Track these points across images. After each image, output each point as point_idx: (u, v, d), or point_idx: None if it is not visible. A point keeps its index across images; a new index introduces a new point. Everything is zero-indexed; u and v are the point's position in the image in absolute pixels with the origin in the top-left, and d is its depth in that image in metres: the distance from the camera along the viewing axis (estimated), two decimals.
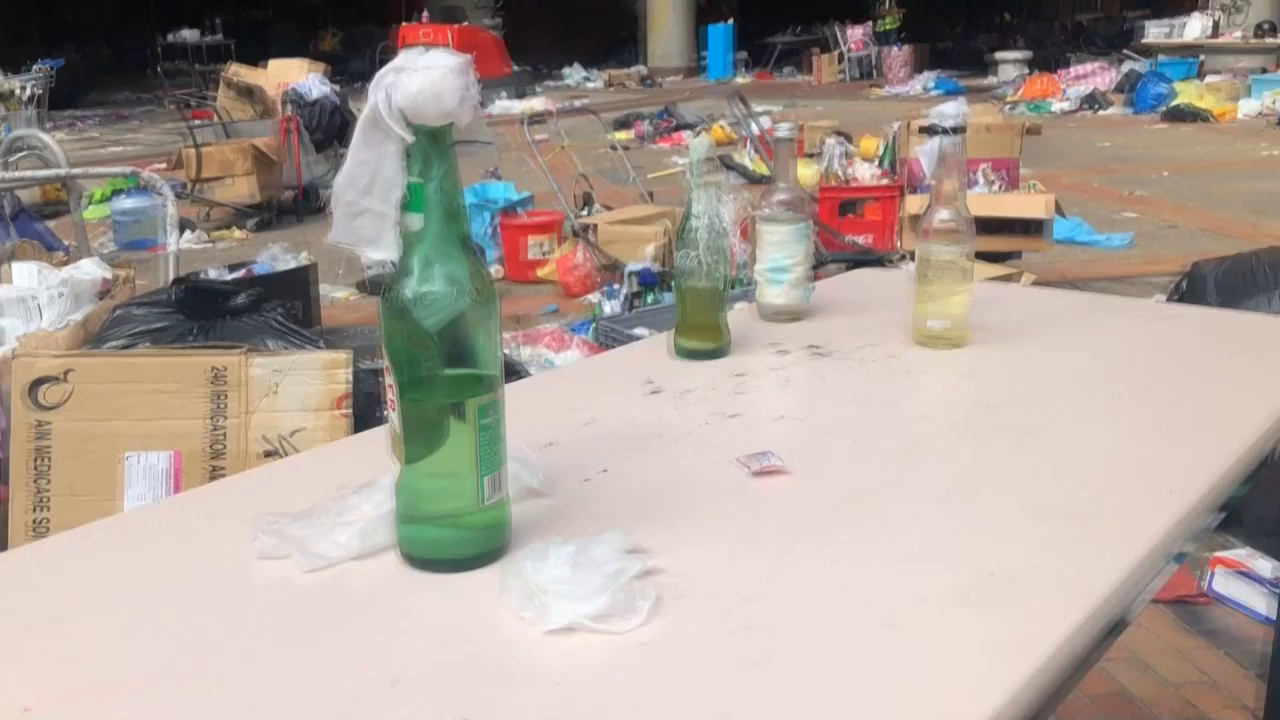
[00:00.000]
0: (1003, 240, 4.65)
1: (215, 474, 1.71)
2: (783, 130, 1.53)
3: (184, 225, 6.78)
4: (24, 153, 6.67)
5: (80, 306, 2.74)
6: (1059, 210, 5.11)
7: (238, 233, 6.92)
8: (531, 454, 1.02)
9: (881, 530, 0.95)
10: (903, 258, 4.60)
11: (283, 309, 2.19)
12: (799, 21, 20.13)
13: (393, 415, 0.86)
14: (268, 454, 1.72)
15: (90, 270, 2.84)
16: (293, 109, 7.79)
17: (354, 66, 15.53)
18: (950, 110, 1.34)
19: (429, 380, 0.85)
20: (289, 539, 0.90)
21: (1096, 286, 4.94)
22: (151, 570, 0.91)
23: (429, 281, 0.83)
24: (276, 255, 4.85)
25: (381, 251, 0.84)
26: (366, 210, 0.83)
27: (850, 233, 5.27)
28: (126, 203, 6.51)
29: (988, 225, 4.52)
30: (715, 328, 1.40)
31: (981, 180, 4.86)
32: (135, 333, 2.19)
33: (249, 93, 8.66)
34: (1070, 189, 7.25)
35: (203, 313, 2.19)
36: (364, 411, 1.92)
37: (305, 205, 7.39)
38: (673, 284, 1.36)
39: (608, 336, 3.57)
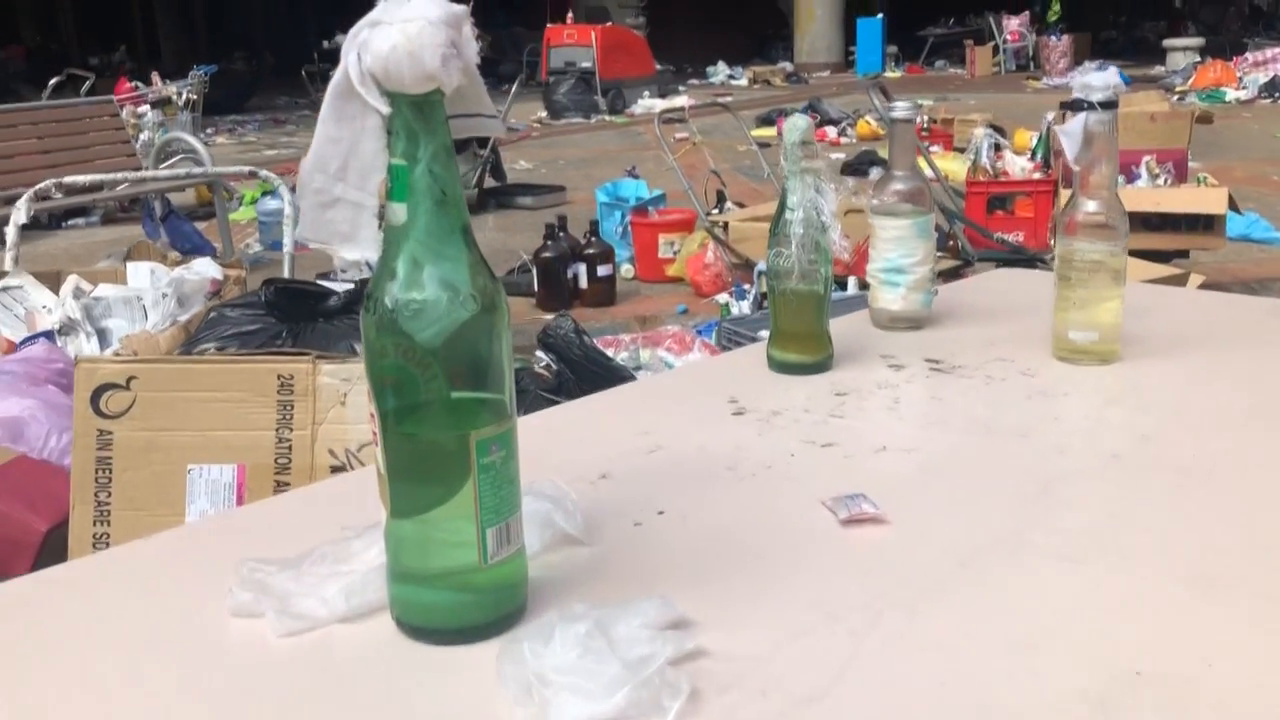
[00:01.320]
0: (1168, 238, 4.25)
1: (280, 489, 1.59)
2: (900, 110, 1.32)
3: None
4: (179, 156, 6.89)
5: (189, 307, 2.70)
6: (1233, 205, 4.66)
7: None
8: (570, 492, 0.85)
9: (996, 604, 0.74)
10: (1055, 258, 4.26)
11: None
12: (953, 13, 19.51)
13: (378, 452, 0.70)
14: (334, 469, 1.61)
15: (201, 270, 2.81)
16: None
17: (503, 69, 15.69)
18: (1098, 81, 1.12)
19: (419, 410, 0.69)
20: (269, 593, 0.76)
21: (1276, 289, 4.50)
22: (113, 624, 0.77)
23: (416, 287, 0.67)
24: None
25: (358, 250, 0.68)
26: (339, 200, 0.67)
27: (1000, 230, 4.95)
28: (271, 204, 6.59)
29: (1151, 222, 4.15)
30: (815, 337, 1.21)
31: (1145, 173, 4.47)
32: (227, 335, 2.11)
33: None
34: (1245, 182, 6.70)
35: (294, 315, 2.10)
36: None
37: None
38: (766, 287, 1.18)
39: (730, 339, 3.37)
